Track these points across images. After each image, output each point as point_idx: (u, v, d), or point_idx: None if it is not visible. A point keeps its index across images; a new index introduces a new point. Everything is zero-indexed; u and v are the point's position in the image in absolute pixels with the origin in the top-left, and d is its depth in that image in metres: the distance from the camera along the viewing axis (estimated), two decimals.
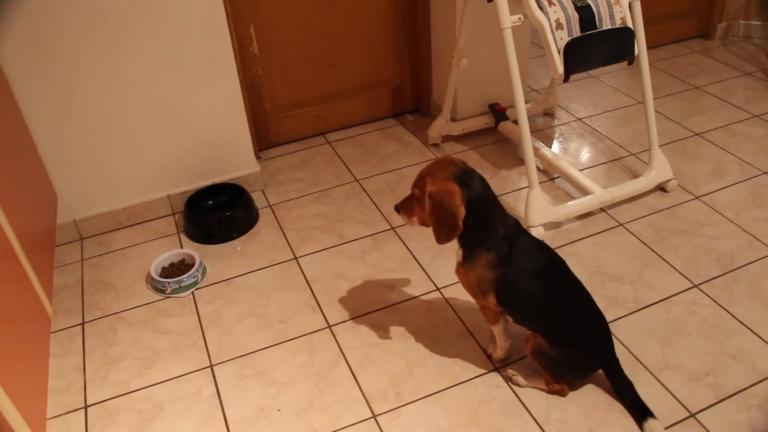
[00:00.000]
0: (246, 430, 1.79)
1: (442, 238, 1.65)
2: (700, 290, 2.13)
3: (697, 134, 2.98)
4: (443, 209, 1.62)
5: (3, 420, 1.36)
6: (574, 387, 1.83)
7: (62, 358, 2.07)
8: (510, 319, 1.84)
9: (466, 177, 1.63)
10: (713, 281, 2.17)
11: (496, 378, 1.89)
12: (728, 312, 2.04)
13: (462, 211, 1.61)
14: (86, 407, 1.91)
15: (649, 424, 1.69)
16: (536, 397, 1.82)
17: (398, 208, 1.79)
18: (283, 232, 2.54)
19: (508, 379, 1.87)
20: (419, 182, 1.69)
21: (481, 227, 1.66)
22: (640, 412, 1.72)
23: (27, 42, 2.18)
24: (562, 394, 1.81)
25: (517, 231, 1.70)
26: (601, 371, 1.81)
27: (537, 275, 1.69)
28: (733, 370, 1.86)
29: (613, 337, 1.96)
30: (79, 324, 2.19)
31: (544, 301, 1.71)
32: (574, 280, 1.77)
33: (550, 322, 1.73)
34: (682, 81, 3.47)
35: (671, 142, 2.94)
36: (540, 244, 1.75)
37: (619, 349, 1.93)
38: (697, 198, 2.56)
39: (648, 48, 2.52)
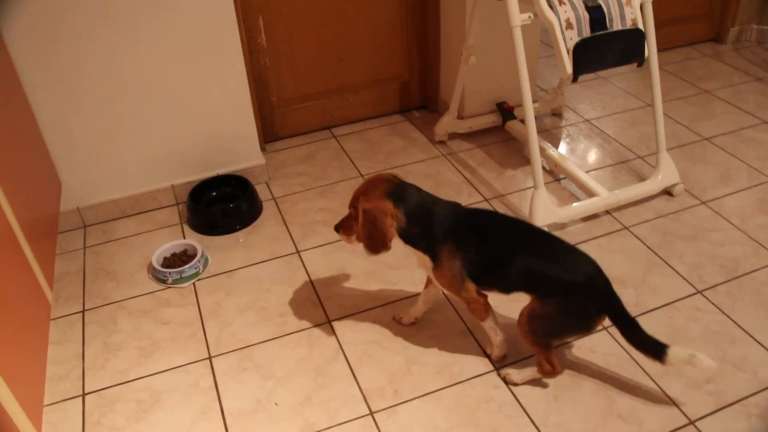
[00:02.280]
0: (243, 423, 1.79)
1: (370, 252, 1.74)
2: (704, 296, 2.12)
3: (705, 139, 2.96)
4: (375, 227, 1.70)
5: None
6: (582, 335, 1.81)
7: (62, 345, 2.07)
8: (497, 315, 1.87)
9: (399, 191, 1.71)
10: (717, 288, 2.15)
11: (494, 378, 1.88)
12: (731, 319, 2.03)
13: (392, 232, 1.71)
14: (84, 395, 1.91)
15: (669, 354, 1.66)
16: (535, 399, 1.81)
17: (337, 228, 1.86)
18: (286, 226, 2.54)
19: (504, 380, 1.87)
20: (354, 201, 1.76)
21: (429, 228, 1.73)
22: (655, 349, 1.69)
23: (35, 29, 2.17)
24: (554, 374, 1.81)
25: (457, 212, 1.78)
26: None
27: (488, 235, 1.75)
28: (734, 378, 1.84)
29: (613, 340, 1.95)
30: (80, 312, 2.19)
31: (509, 257, 1.73)
32: (526, 227, 1.83)
33: (525, 274, 1.72)
34: (692, 85, 3.45)
35: (679, 146, 2.92)
36: (479, 211, 1.88)
37: (619, 353, 1.92)
38: (703, 203, 2.54)
39: (659, 50, 2.50)
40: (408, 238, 1.75)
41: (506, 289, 1.80)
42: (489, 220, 1.84)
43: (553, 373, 1.81)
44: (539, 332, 1.76)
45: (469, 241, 1.73)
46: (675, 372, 1.86)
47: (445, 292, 1.84)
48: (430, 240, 1.74)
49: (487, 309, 1.83)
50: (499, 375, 1.89)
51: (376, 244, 1.71)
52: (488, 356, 1.95)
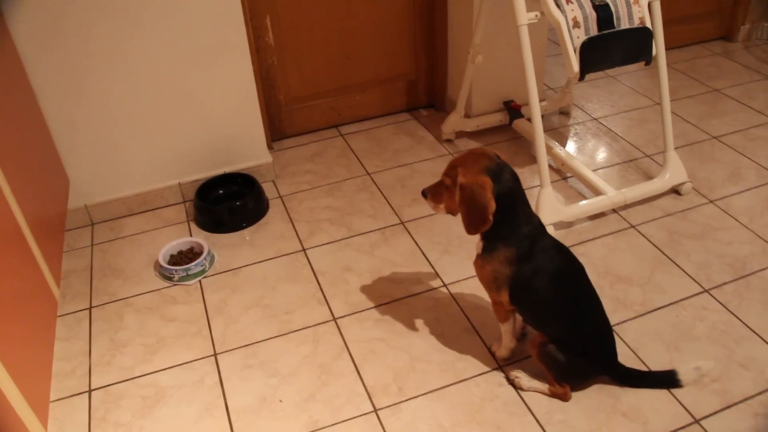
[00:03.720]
0: (247, 420, 1.80)
1: (470, 228, 1.64)
2: (711, 295, 2.11)
3: (714, 137, 2.94)
4: (474, 201, 1.60)
5: (5, 401, 1.37)
6: (576, 389, 1.82)
7: (68, 341, 2.08)
8: (520, 318, 1.84)
9: (499, 171, 1.60)
10: (724, 287, 2.14)
11: (499, 376, 1.87)
12: (738, 318, 2.02)
13: (492, 205, 1.59)
14: (90, 391, 1.92)
15: (682, 379, 1.77)
16: (539, 397, 1.81)
17: (425, 193, 1.77)
18: (292, 224, 2.54)
19: (511, 382, 1.86)
20: (450, 172, 1.67)
21: (506, 222, 1.63)
22: (665, 379, 1.79)
23: (42, 26, 2.19)
24: (565, 398, 1.79)
25: (540, 231, 1.68)
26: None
27: (553, 277, 1.68)
28: (740, 377, 1.83)
29: (617, 339, 1.95)
30: (87, 308, 2.21)
31: (556, 305, 1.70)
32: (588, 288, 1.75)
33: (559, 326, 1.72)
34: (701, 83, 3.43)
35: (687, 144, 2.90)
36: (560, 248, 1.73)
37: (625, 352, 1.91)
38: (711, 202, 2.53)
39: (668, 49, 2.49)
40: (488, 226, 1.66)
41: (529, 323, 1.81)
42: (561, 259, 1.72)
43: (564, 396, 1.79)
44: (549, 366, 1.76)
45: (532, 265, 1.66)
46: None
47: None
48: (498, 232, 1.64)
49: (510, 314, 1.81)
50: (507, 375, 1.88)
51: (477, 220, 1.61)
52: (492, 354, 1.94)
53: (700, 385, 1.81)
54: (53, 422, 1.83)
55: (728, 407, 1.75)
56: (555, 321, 1.72)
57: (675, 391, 1.80)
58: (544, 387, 1.81)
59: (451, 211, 1.72)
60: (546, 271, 1.67)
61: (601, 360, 1.78)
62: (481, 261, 1.73)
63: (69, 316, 2.18)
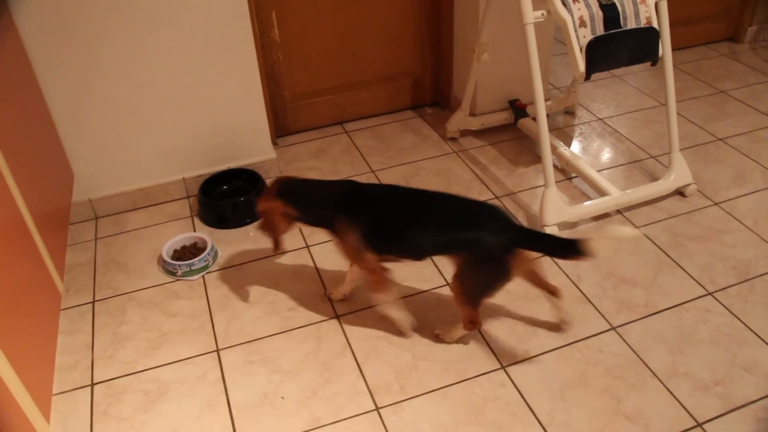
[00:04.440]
0: (249, 416, 1.80)
1: (271, 244, 1.99)
2: (714, 298, 2.10)
3: (719, 139, 2.94)
4: (268, 223, 1.94)
5: (8, 394, 1.37)
6: (489, 295, 1.84)
7: (71, 335, 2.09)
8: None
9: (287, 188, 1.92)
10: (728, 290, 2.13)
11: (501, 376, 1.87)
12: (742, 322, 2.01)
13: (283, 227, 1.93)
14: (93, 385, 1.92)
15: (587, 246, 1.62)
16: (541, 397, 1.81)
17: (260, 229, 2.04)
18: None
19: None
20: (257, 204, 1.98)
21: (322, 208, 1.90)
22: (572, 248, 1.64)
23: (49, 21, 2.19)
24: (478, 327, 1.91)
25: (347, 188, 1.91)
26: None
27: (384, 208, 1.86)
28: (743, 381, 1.83)
29: (620, 340, 1.95)
30: (90, 302, 2.21)
31: (406, 224, 1.81)
32: (420, 193, 1.88)
33: (430, 240, 1.80)
34: (708, 84, 3.42)
35: (693, 146, 2.90)
36: (372, 185, 1.99)
37: (627, 354, 1.91)
38: (716, 204, 2.52)
39: (674, 50, 2.49)
40: (310, 222, 1.93)
41: (414, 255, 1.90)
42: (381, 192, 1.95)
43: (477, 327, 1.91)
44: (470, 293, 1.83)
45: (362, 213, 1.84)
46: (683, 374, 1.85)
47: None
48: (326, 217, 1.88)
49: (387, 283, 1.92)
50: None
51: (273, 235, 1.96)
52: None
53: (703, 389, 1.81)
54: (56, 415, 1.83)
55: (731, 411, 1.75)
56: (419, 238, 1.81)
57: (678, 394, 1.79)
58: (461, 328, 1.92)
59: (274, 237, 1.98)
60: (372, 206, 1.85)
61: (488, 237, 1.73)
62: (338, 243, 1.91)
63: (72, 309, 2.18)
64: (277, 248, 2.00)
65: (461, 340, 1.98)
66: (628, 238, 1.66)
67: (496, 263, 1.74)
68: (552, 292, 1.95)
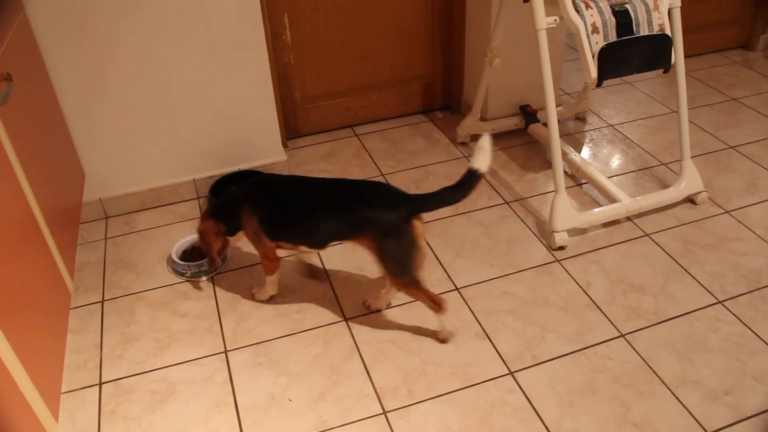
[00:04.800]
0: (256, 418, 1.80)
1: (209, 259, 2.14)
2: (725, 307, 2.09)
3: (731, 147, 2.92)
4: (204, 243, 2.10)
5: (18, 392, 1.38)
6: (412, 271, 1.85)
7: (80, 334, 2.09)
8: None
9: (217, 207, 2.07)
10: (739, 298, 2.12)
11: (509, 382, 1.87)
12: (752, 331, 2.00)
13: (217, 245, 2.08)
14: (101, 384, 1.93)
15: (476, 169, 1.79)
16: (549, 403, 1.80)
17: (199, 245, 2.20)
18: None
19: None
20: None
21: (234, 207, 2.02)
22: (467, 179, 1.80)
23: (63, 20, 2.20)
24: (442, 304, 1.93)
25: (252, 180, 2.03)
26: None
27: (281, 197, 1.96)
28: (753, 390, 1.82)
29: (629, 348, 1.94)
30: (99, 302, 2.22)
31: (302, 214, 1.91)
32: (315, 179, 1.98)
33: (326, 226, 1.89)
34: (720, 92, 3.40)
35: (704, 153, 2.88)
36: (272, 175, 2.12)
37: (636, 362, 1.90)
38: (727, 212, 2.51)
39: (686, 57, 2.48)
40: (233, 227, 2.04)
41: (311, 241, 1.97)
42: (280, 182, 2.04)
43: (441, 305, 1.92)
44: (396, 272, 1.86)
45: (261, 201, 1.97)
46: (693, 382, 1.84)
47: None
48: (235, 212, 2.01)
49: (275, 268, 2.10)
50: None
51: (209, 252, 2.10)
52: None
53: (713, 398, 1.79)
54: (64, 414, 1.84)
55: (740, 421, 1.73)
56: (315, 226, 1.91)
57: (687, 402, 1.78)
58: (389, 295, 2.06)
59: (210, 254, 2.12)
60: (270, 195, 1.97)
61: (383, 212, 1.82)
62: (243, 230, 2.03)
63: (82, 308, 2.19)
64: (214, 264, 2.16)
65: (468, 345, 1.98)
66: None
67: (400, 234, 1.81)
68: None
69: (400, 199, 1.84)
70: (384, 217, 1.80)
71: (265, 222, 1.95)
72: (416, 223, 1.81)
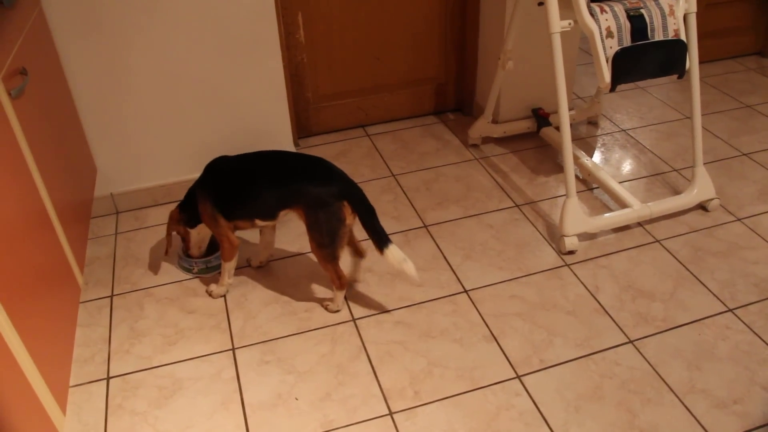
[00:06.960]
0: (262, 416, 1.80)
1: (167, 245, 2.25)
2: (735, 315, 2.08)
3: (744, 154, 2.90)
4: (168, 228, 2.22)
5: (27, 384, 1.38)
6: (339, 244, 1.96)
7: (89, 328, 2.11)
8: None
9: (184, 198, 2.16)
10: (749, 307, 2.11)
11: (516, 385, 1.86)
12: (762, 340, 1.99)
13: (172, 229, 2.20)
14: (108, 378, 1.93)
15: (389, 249, 1.94)
16: (556, 408, 1.79)
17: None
18: None
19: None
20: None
21: (192, 195, 2.12)
22: (380, 239, 1.95)
23: (78, 15, 2.21)
24: (345, 282, 2.06)
25: (210, 164, 2.11)
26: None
27: (228, 174, 2.05)
28: (762, 400, 1.80)
29: (638, 355, 1.93)
30: (108, 296, 2.23)
31: (249, 186, 1.99)
32: (260, 154, 2.07)
33: (274, 191, 1.97)
34: (734, 98, 3.38)
35: (717, 160, 2.87)
36: (223, 157, 2.12)
37: (644, 368, 1.89)
38: (738, 220, 2.49)
39: (701, 62, 2.47)
40: (193, 216, 2.14)
41: (262, 214, 2.02)
42: (228, 161, 2.10)
43: (344, 285, 2.06)
44: (321, 243, 1.96)
45: (212, 182, 2.06)
46: (701, 391, 1.83)
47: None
48: (192, 197, 2.12)
49: (235, 253, 2.12)
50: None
51: (167, 240, 2.22)
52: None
53: (721, 407, 1.78)
54: (71, 407, 1.85)
55: (749, 431, 1.72)
56: (261, 196, 1.99)
57: (695, 410, 1.77)
58: (335, 293, 2.09)
59: (198, 245, 2.26)
60: (219, 174, 2.06)
61: (320, 186, 1.93)
62: (204, 219, 2.10)
63: (91, 303, 2.20)
64: (167, 252, 2.27)
65: (475, 348, 1.98)
66: (413, 280, 2.03)
67: (329, 208, 1.92)
68: (359, 252, 2.26)
69: (336, 177, 1.97)
70: (315, 191, 1.92)
71: (218, 203, 2.03)
72: (345, 203, 1.93)
